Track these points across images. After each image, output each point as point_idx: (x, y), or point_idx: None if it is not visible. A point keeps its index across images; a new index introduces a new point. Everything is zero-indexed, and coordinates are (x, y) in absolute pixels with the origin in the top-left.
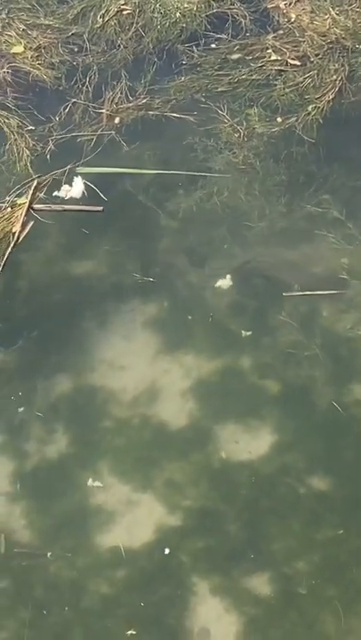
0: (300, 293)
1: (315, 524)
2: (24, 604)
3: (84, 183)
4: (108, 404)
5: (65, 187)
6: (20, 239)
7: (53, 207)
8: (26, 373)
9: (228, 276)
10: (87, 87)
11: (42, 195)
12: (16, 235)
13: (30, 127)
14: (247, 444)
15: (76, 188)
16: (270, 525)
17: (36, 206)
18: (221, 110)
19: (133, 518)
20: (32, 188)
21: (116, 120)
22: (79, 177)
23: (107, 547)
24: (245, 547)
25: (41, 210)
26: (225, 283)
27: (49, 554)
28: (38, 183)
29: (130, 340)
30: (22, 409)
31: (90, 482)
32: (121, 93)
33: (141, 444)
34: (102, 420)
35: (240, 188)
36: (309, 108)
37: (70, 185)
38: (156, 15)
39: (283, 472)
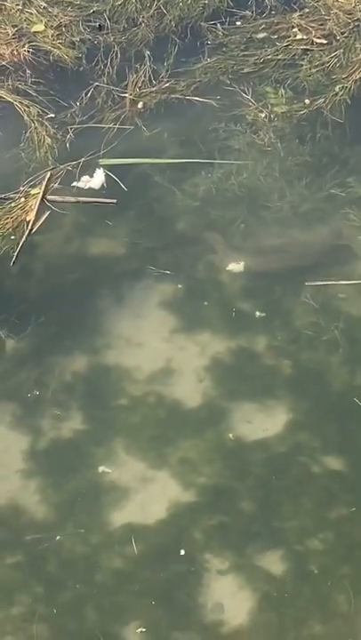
0: (323, 283)
1: (328, 502)
2: (37, 580)
3: (105, 173)
4: (123, 381)
5: (85, 177)
6: (35, 229)
7: (67, 198)
8: (41, 351)
9: (247, 258)
10: (109, 69)
11: (59, 185)
12: (30, 224)
13: (51, 115)
14: (262, 422)
15: (96, 180)
16: (284, 503)
17: (50, 197)
18: (246, 93)
19: (147, 495)
20: (46, 178)
21: (140, 105)
22: (101, 169)
23: (120, 523)
24: (259, 524)
25: (54, 201)
26: (240, 266)
27: (57, 537)
28: (52, 174)
29: (145, 319)
30: (37, 386)
31: (101, 468)
32: (144, 76)
33: (156, 422)
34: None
35: (263, 172)
36: (336, 88)
37: (91, 176)
38: None
39: (297, 451)
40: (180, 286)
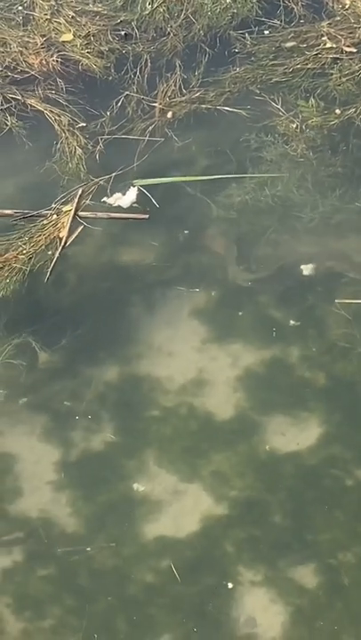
0: (355, 301)
1: None
2: (68, 592)
3: (138, 190)
4: (155, 392)
5: (117, 194)
6: (68, 244)
7: (99, 215)
8: (73, 362)
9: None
10: (139, 78)
11: (89, 201)
12: (62, 241)
13: (82, 124)
14: (295, 435)
15: (127, 199)
16: (316, 516)
17: (82, 213)
18: (276, 102)
19: (179, 508)
20: (77, 195)
21: (169, 114)
22: (134, 187)
23: (152, 536)
24: (291, 537)
25: (86, 217)
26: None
27: (88, 549)
28: (83, 191)
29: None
30: (69, 398)
31: (135, 485)
32: (175, 85)
33: (188, 434)
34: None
35: (296, 184)
36: None
37: (124, 193)
38: (205, 1)
39: (330, 463)
40: (213, 294)
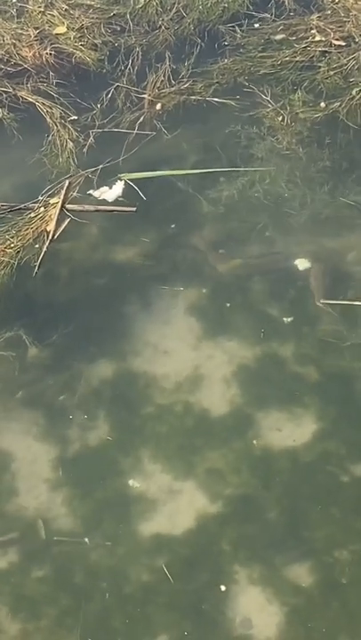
0: (338, 302)
1: (357, 512)
2: (64, 591)
3: (125, 184)
4: (150, 389)
5: (103, 188)
6: (55, 236)
7: (86, 207)
8: (68, 359)
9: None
10: (130, 70)
11: (76, 194)
12: (50, 233)
13: (73, 117)
14: (290, 431)
15: (112, 193)
16: (312, 514)
17: (69, 206)
18: (265, 94)
19: (175, 506)
20: (64, 188)
21: (158, 106)
22: (120, 182)
23: (148, 534)
24: (287, 535)
25: (73, 210)
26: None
27: (86, 539)
28: (70, 183)
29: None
30: (64, 395)
31: (131, 482)
32: (163, 77)
33: (183, 431)
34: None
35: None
36: (353, 92)
37: (110, 187)
38: None
39: (325, 460)
40: (204, 291)
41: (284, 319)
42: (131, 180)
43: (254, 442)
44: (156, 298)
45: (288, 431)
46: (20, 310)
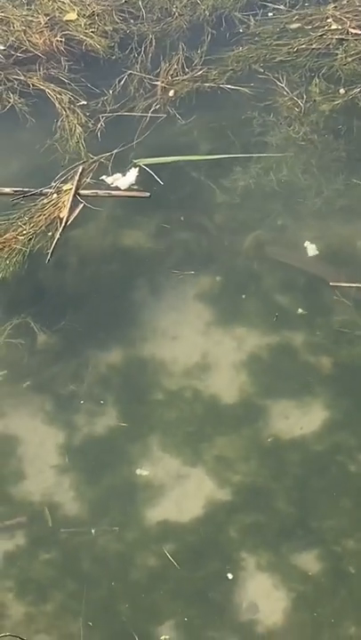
0: (348, 285)
1: None
2: (71, 576)
3: (139, 172)
4: (159, 375)
5: (117, 175)
6: (68, 223)
7: (100, 193)
8: (77, 345)
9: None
10: (142, 57)
11: (89, 180)
12: (64, 220)
13: (82, 102)
14: (298, 419)
15: (126, 180)
16: (321, 503)
17: (82, 192)
18: (280, 81)
19: (183, 493)
20: (77, 173)
21: (171, 93)
22: (134, 169)
23: (155, 521)
24: (295, 524)
25: (87, 196)
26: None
27: (93, 530)
28: (83, 169)
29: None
30: (73, 381)
31: (138, 471)
32: (177, 64)
33: (192, 418)
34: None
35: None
36: None
37: (124, 174)
38: None
39: (334, 449)
40: (218, 279)
41: (299, 310)
42: (146, 165)
43: (264, 430)
44: (167, 283)
45: (297, 420)
46: (31, 297)
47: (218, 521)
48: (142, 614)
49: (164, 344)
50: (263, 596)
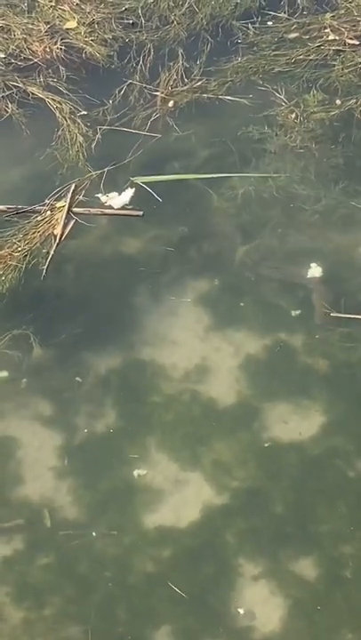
0: (347, 316)
1: None
2: (69, 580)
3: (136, 190)
4: (158, 378)
5: (113, 193)
6: (62, 239)
7: (92, 211)
8: (76, 348)
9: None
10: (142, 67)
11: (82, 197)
12: (57, 237)
13: (83, 112)
14: (297, 424)
15: (120, 200)
16: (318, 508)
17: (76, 209)
18: (279, 93)
19: (181, 497)
20: (70, 191)
21: (170, 103)
22: (131, 189)
23: (153, 525)
24: (293, 529)
25: (80, 213)
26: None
27: (93, 533)
28: (76, 186)
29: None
30: (72, 384)
31: (136, 472)
32: (176, 75)
33: (190, 421)
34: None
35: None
36: None
37: (120, 193)
38: None
39: (332, 454)
40: (216, 282)
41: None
42: (144, 182)
43: (261, 433)
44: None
45: (295, 424)
46: (28, 310)
47: (215, 525)
48: (139, 619)
49: (164, 348)
50: (260, 602)
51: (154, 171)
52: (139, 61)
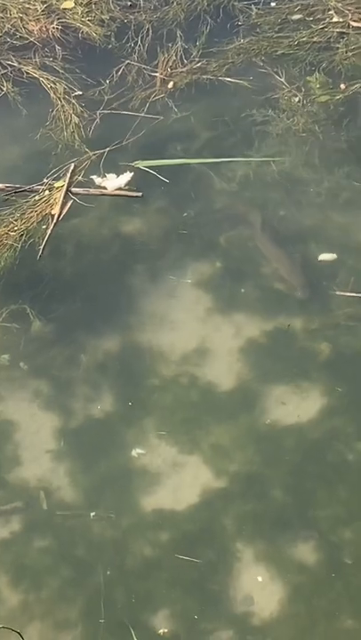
0: (352, 294)
1: None
2: (66, 563)
3: (135, 173)
4: (156, 362)
5: (111, 175)
6: (60, 219)
7: (91, 191)
8: (74, 331)
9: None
10: (140, 47)
11: (81, 178)
12: (55, 217)
13: (78, 92)
14: (296, 407)
15: (115, 182)
16: (318, 492)
17: (74, 189)
18: (280, 75)
19: (179, 480)
20: (69, 171)
21: (170, 85)
22: (130, 173)
23: (151, 508)
24: (292, 513)
25: (78, 193)
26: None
27: (92, 514)
28: (75, 166)
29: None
30: (70, 366)
31: (134, 451)
32: (175, 55)
33: (188, 404)
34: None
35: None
36: None
37: (117, 175)
38: None
39: (331, 437)
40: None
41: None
42: (146, 166)
43: (261, 416)
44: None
45: (294, 407)
46: (25, 290)
47: (214, 508)
48: (137, 602)
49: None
50: (259, 587)
51: (154, 152)
52: (137, 42)
